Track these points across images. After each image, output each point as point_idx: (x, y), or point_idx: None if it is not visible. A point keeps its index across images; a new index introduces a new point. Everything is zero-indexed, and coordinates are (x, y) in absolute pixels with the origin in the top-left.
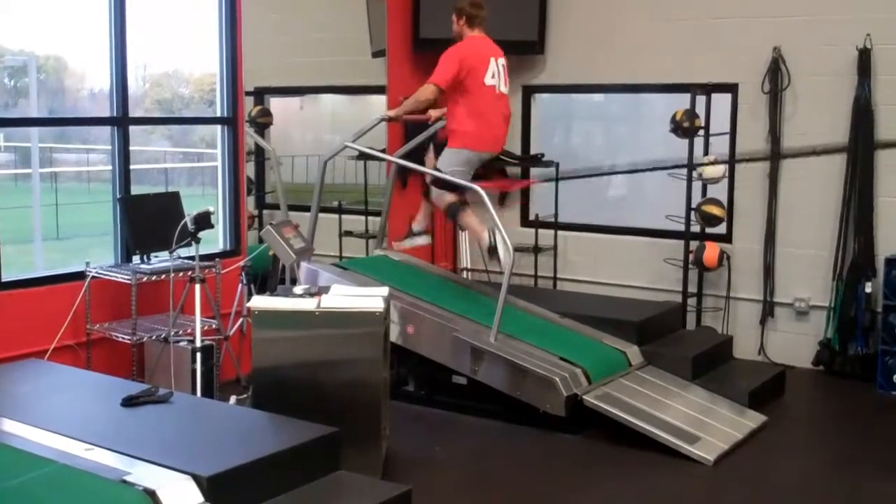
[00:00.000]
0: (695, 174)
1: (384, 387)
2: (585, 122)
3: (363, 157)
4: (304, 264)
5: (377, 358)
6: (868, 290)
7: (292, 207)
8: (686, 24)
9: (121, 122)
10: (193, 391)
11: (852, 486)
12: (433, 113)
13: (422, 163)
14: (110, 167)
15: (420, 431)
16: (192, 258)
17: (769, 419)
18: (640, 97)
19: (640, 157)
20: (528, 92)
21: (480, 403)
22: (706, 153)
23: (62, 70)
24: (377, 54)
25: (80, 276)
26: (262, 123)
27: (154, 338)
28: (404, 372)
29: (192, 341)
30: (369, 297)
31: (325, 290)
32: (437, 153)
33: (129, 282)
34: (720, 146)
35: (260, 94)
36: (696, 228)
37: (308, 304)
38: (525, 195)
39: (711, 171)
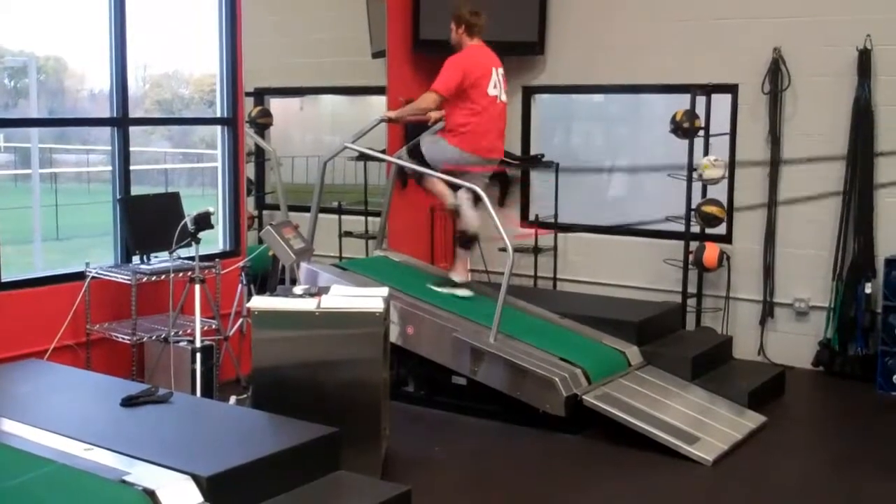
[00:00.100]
0: (695, 174)
1: (384, 387)
2: (585, 122)
3: (363, 157)
4: (303, 265)
5: (377, 358)
6: (868, 290)
7: (292, 208)
8: (686, 24)
9: (121, 122)
10: (193, 391)
11: (852, 486)
12: (433, 115)
13: (421, 162)
14: (110, 168)
15: (420, 432)
16: (191, 258)
17: (769, 419)
18: (640, 98)
19: (640, 157)
20: (528, 92)
21: (480, 404)
22: (706, 154)
23: (62, 71)
24: (377, 55)
25: (79, 276)
26: (262, 124)
27: (154, 338)
28: (404, 372)
29: (192, 341)
30: (369, 298)
31: (325, 290)
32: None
33: (128, 282)
34: (720, 147)
35: (260, 95)
36: (695, 229)
37: (308, 305)
38: (525, 196)
39: (711, 172)
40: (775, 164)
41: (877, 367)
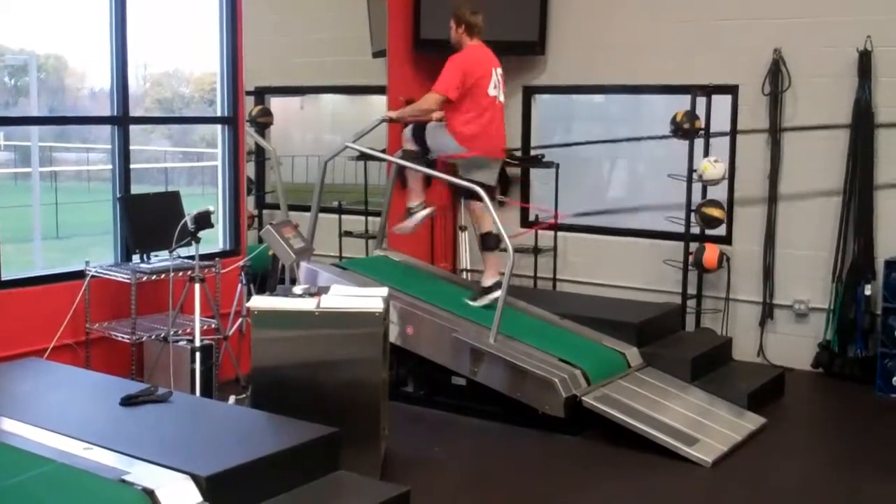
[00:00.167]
0: (695, 175)
1: (383, 387)
2: (586, 122)
3: (363, 157)
4: (303, 264)
5: (376, 358)
6: (867, 292)
7: (292, 207)
8: (686, 25)
9: (121, 121)
10: (192, 391)
11: (851, 487)
12: (435, 115)
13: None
14: (110, 166)
15: (419, 432)
16: (191, 258)
17: (768, 421)
18: (640, 98)
19: (641, 158)
20: (529, 92)
21: (480, 404)
22: (706, 155)
23: (62, 69)
24: (378, 54)
25: (79, 275)
26: (263, 123)
27: (153, 337)
28: (404, 372)
29: (192, 341)
30: (369, 298)
31: (325, 290)
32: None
33: (128, 281)
34: (720, 148)
35: (260, 94)
36: (695, 230)
37: (307, 305)
38: (525, 196)
39: (711, 173)
40: (775, 165)
41: (876, 368)
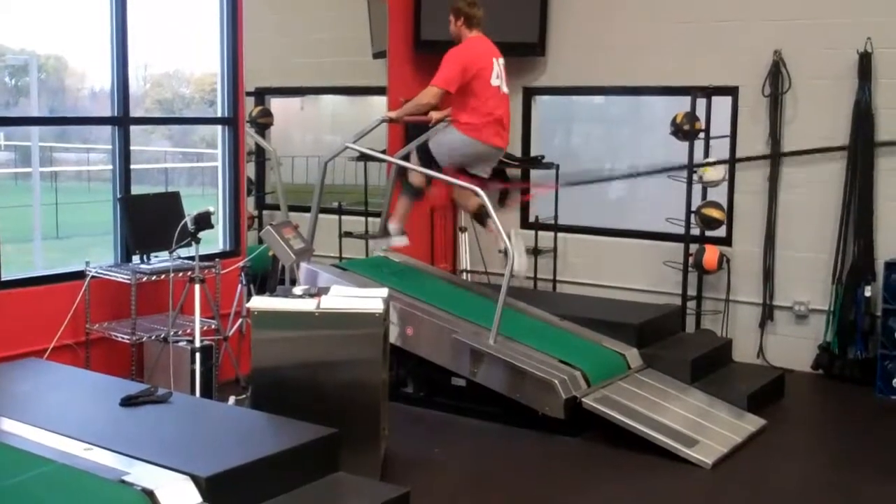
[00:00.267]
0: (695, 177)
1: (383, 388)
2: (586, 124)
3: (363, 158)
4: (303, 265)
5: (376, 359)
6: (867, 293)
7: (292, 208)
8: (687, 26)
9: (121, 121)
10: (192, 391)
11: (851, 489)
12: (434, 115)
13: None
14: (111, 167)
15: (419, 433)
16: (191, 258)
17: (768, 423)
18: (640, 99)
19: (641, 159)
20: (529, 93)
21: (479, 405)
22: (706, 156)
23: (63, 69)
24: (378, 55)
25: (79, 275)
26: (263, 124)
27: (153, 338)
28: (403, 373)
29: (192, 341)
30: (369, 299)
31: (325, 290)
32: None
33: (128, 281)
34: (720, 149)
35: (261, 95)
36: (695, 231)
37: (307, 305)
38: (525, 193)
39: (711, 174)
40: (775, 166)
41: (876, 370)
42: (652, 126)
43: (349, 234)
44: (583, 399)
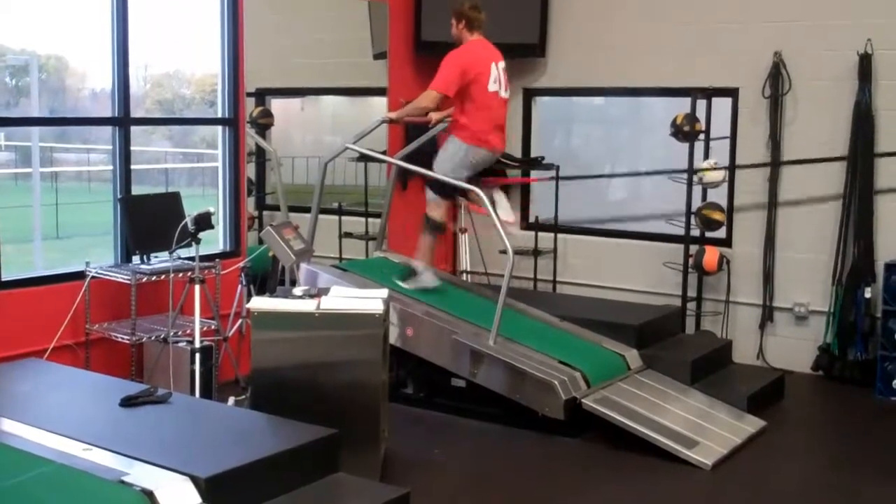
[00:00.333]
0: (695, 178)
1: (383, 389)
2: (586, 125)
3: (364, 158)
4: (303, 265)
5: (376, 360)
6: (867, 295)
7: (292, 209)
8: (687, 27)
9: (122, 122)
10: (192, 392)
11: (851, 490)
12: (434, 116)
13: (422, 165)
14: (111, 167)
15: (419, 434)
16: (192, 259)
17: (768, 424)
18: (640, 101)
19: (641, 160)
20: (529, 94)
21: (479, 406)
22: (706, 157)
23: (63, 70)
24: (378, 56)
25: (79, 275)
26: (263, 124)
27: (153, 338)
28: (403, 374)
29: (192, 342)
30: (369, 299)
31: (325, 291)
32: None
33: (128, 282)
34: (720, 150)
35: (261, 95)
36: (695, 232)
37: (307, 306)
38: (525, 198)
39: (711, 175)
40: (775, 167)
41: (876, 371)
42: (652, 127)
43: (349, 235)
44: (583, 400)
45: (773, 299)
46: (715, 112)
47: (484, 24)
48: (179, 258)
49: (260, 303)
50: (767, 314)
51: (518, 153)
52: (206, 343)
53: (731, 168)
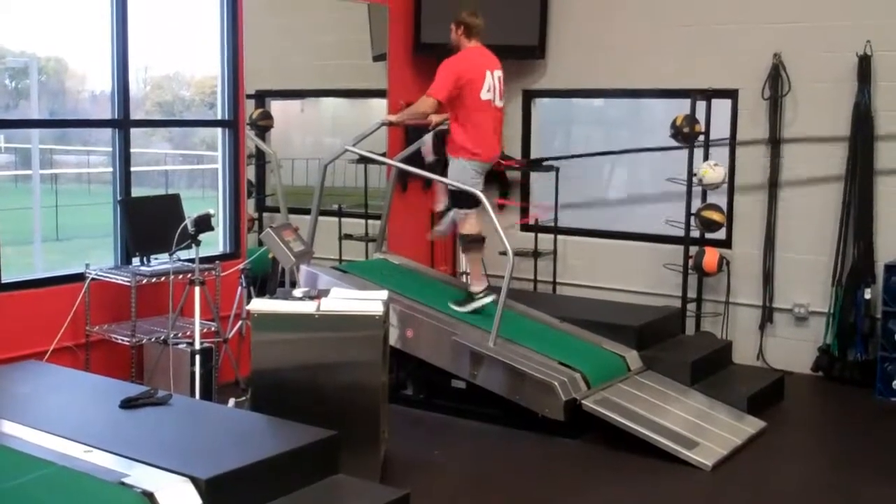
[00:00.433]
0: (694, 179)
1: (383, 390)
2: (585, 126)
3: (363, 160)
4: (303, 267)
5: (376, 361)
6: (867, 296)
7: (292, 210)
8: (686, 29)
9: (122, 124)
10: (192, 393)
11: (851, 491)
12: (434, 118)
13: (422, 166)
14: (111, 169)
15: (419, 435)
16: (191, 260)
17: (768, 425)
18: (640, 102)
19: (640, 162)
20: (529, 96)
21: (479, 407)
22: (706, 159)
23: (63, 72)
24: (378, 58)
25: (79, 277)
26: (263, 126)
27: (153, 340)
28: (403, 375)
29: (192, 344)
30: (368, 301)
31: (325, 293)
32: (435, 146)
33: (128, 284)
34: (720, 152)
35: (261, 97)
36: (695, 233)
37: (307, 307)
38: (525, 199)
39: (711, 177)
40: (775, 169)
41: (876, 372)
42: (652, 129)
43: (349, 237)
44: (583, 401)
45: (772, 300)
46: (715, 113)
47: (482, 31)
48: (179, 260)
49: (260, 304)
50: (767, 315)
51: (518, 154)
52: (206, 345)
53: (731, 168)
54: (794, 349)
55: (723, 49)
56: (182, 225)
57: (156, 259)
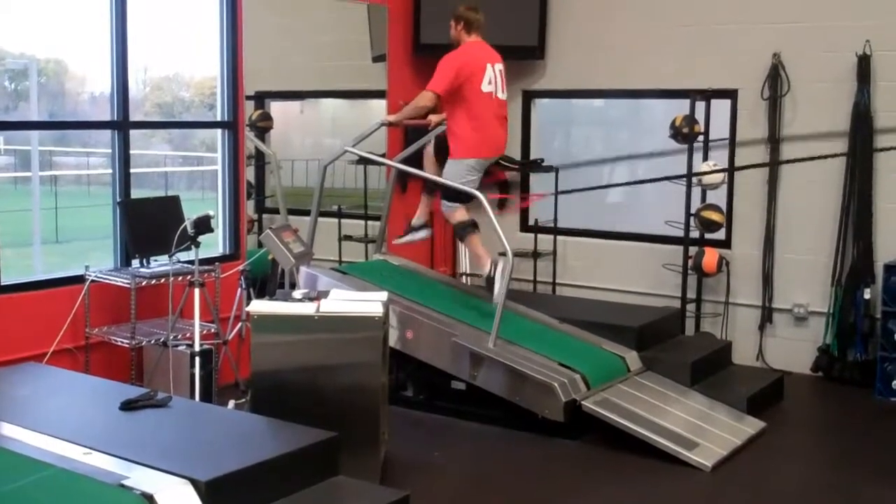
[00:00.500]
0: (694, 180)
1: (383, 391)
2: (585, 127)
3: (363, 161)
4: (303, 268)
5: (376, 362)
6: (867, 296)
7: (292, 211)
8: (686, 29)
9: (121, 125)
10: (192, 395)
11: (851, 491)
12: (433, 118)
13: (422, 166)
14: (110, 171)
15: (419, 436)
16: (191, 262)
17: (768, 425)
18: (639, 102)
19: (640, 162)
20: (528, 97)
21: (479, 409)
22: (705, 159)
23: (63, 73)
24: (378, 59)
25: (79, 279)
26: (263, 127)
27: (153, 342)
28: (403, 377)
29: (191, 345)
30: (368, 302)
31: (325, 294)
32: (438, 153)
33: (128, 286)
34: (720, 153)
35: (260, 98)
36: (695, 234)
37: (307, 309)
38: (524, 200)
39: (711, 177)
40: (774, 169)
41: (876, 372)
42: (651, 129)
43: (349, 238)
44: (582, 402)
45: (772, 300)
46: (714, 114)
47: (483, 26)
48: (179, 262)
49: (259, 306)
50: (767, 315)
51: (517, 155)
52: (205, 346)
53: (731, 170)
54: (794, 349)
55: (722, 49)
56: (182, 226)
57: (155, 261)
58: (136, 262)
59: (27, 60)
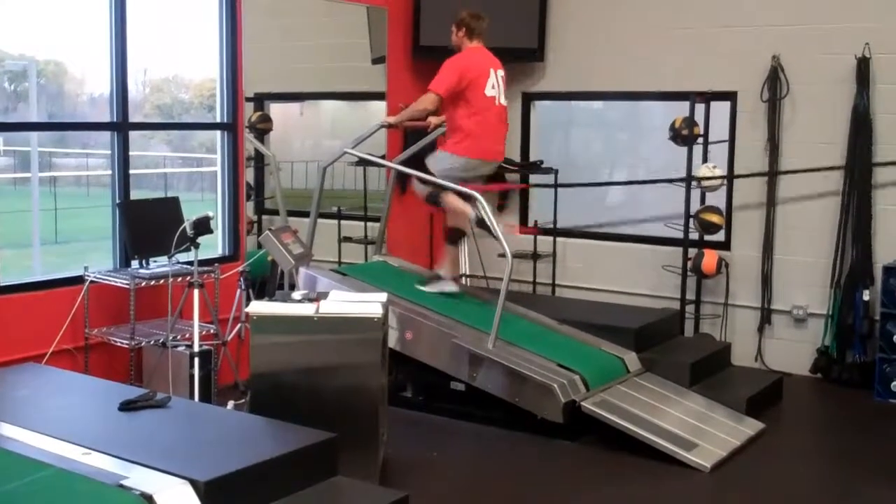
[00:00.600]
0: (693, 181)
1: (382, 392)
2: (585, 129)
3: (363, 163)
4: (302, 270)
5: (375, 363)
6: (866, 297)
7: (291, 213)
8: (685, 32)
9: (121, 127)
10: (191, 396)
11: (850, 492)
12: (433, 120)
13: (421, 169)
14: (110, 172)
15: (418, 437)
16: (190, 263)
17: (767, 426)
18: (639, 105)
19: (639, 164)
20: (528, 99)
21: (479, 409)
22: (705, 161)
23: (62, 74)
24: (377, 61)
25: (78, 280)
26: (262, 129)
27: (152, 342)
28: (402, 378)
29: (191, 346)
30: (368, 303)
31: (324, 295)
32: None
33: (127, 286)
34: (719, 153)
35: (260, 100)
36: (694, 235)
37: (307, 310)
38: (524, 201)
39: (710, 179)
40: (773, 171)
41: (874, 374)
42: (651, 131)
43: (348, 239)
44: (582, 403)
45: (771, 302)
46: (713, 116)
47: (485, 33)
48: (178, 263)
49: (259, 307)
50: (766, 317)
51: (517, 157)
52: (205, 347)
53: (730, 170)
54: (793, 351)
55: (722, 51)
56: (181, 227)
57: (155, 262)
58: (135, 263)
59: (27, 62)
